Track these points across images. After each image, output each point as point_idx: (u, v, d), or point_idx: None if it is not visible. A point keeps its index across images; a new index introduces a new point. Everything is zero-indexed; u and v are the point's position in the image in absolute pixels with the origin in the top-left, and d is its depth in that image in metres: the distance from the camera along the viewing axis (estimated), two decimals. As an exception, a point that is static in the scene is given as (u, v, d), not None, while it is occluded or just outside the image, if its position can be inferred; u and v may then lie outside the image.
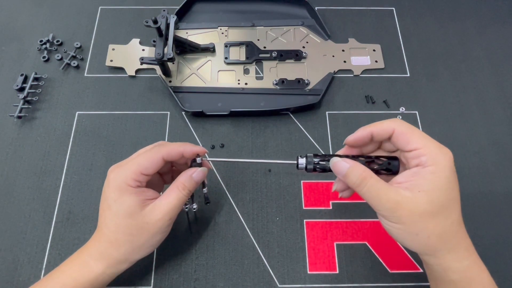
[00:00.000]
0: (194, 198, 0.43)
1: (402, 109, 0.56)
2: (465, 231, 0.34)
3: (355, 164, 0.34)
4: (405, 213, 0.31)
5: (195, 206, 0.43)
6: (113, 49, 0.59)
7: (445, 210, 0.32)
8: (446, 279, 0.34)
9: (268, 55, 0.58)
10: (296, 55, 0.58)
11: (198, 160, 0.40)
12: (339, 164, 0.35)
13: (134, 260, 0.38)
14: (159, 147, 0.37)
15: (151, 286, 0.44)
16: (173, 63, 0.57)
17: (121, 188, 0.35)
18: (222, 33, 0.60)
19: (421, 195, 0.31)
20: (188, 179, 0.38)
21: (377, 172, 0.36)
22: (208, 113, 0.53)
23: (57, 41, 0.59)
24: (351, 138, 0.36)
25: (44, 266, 0.45)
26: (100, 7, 0.63)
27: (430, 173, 0.32)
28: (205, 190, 0.43)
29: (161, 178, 0.43)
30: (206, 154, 0.42)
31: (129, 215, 0.35)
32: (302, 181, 0.50)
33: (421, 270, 0.46)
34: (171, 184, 0.38)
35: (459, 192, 0.33)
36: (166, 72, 0.55)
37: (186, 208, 0.42)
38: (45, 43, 0.59)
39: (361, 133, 0.35)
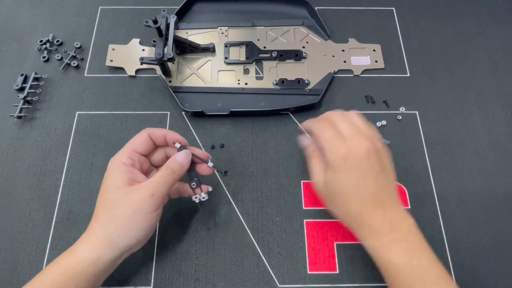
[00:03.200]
0: (202, 188, 0.43)
1: (402, 109, 0.56)
2: (374, 218, 0.37)
3: (310, 141, 0.44)
4: (317, 191, 0.42)
5: (203, 195, 0.43)
6: (113, 49, 0.59)
7: (339, 200, 0.39)
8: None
9: (268, 55, 0.58)
10: (296, 55, 0.58)
11: (177, 145, 0.41)
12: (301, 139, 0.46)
13: (119, 248, 0.37)
14: (146, 128, 0.42)
15: (151, 286, 0.44)
16: (173, 63, 0.57)
17: (115, 166, 0.39)
18: (222, 33, 0.60)
19: (324, 183, 0.40)
20: (172, 160, 0.40)
21: None
22: (208, 113, 0.53)
23: (57, 41, 0.59)
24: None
25: (44, 266, 0.45)
26: (100, 7, 0.63)
27: (326, 168, 0.40)
28: (210, 164, 0.43)
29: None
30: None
31: (115, 189, 0.38)
32: (302, 181, 0.50)
33: (421, 270, 0.45)
34: None
35: (364, 189, 0.38)
36: (166, 72, 0.55)
37: (196, 198, 0.43)
38: (45, 43, 0.59)
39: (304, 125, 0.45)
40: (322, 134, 0.40)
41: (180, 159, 0.40)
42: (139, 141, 0.41)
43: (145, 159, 0.42)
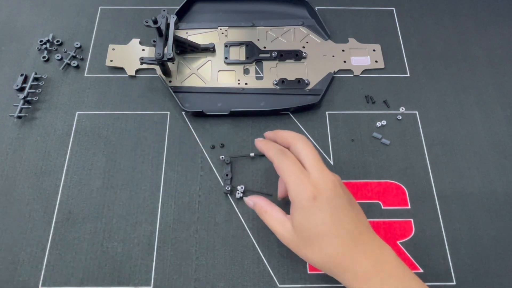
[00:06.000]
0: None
1: (402, 109, 0.56)
2: (357, 259, 0.33)
3: (257, 198, 0.41)
4: (286, 242, 0.37)
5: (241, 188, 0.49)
6: (113, 49, 0.59)
7: (315, 243, 0.34)
8: None
9: (268, 55, 0.58)
10: (296, 55, 0.58)
11: None
12: (246, 200, 0.42)
13: None
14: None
15: (151, 286, 0.44)
16: (173, 63, 0.57)
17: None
18: (222, 33, 0.60)
19: (293, 229, 0.36)
20: None
21: None
22: (208, 113, 0.53)
23: (57, 41, 0.59)
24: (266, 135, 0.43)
25: (44, 266, 0.45)
26: (100, 7, 0.63)
27: (293, 209, 0.36)
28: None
29: None
30: None
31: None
32: (302, 181, 0.50)
33: (421, 270, 0.46)
34: None
35: (340, 226, 0.34)
36: (166, 72, 0.55)
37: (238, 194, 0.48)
38: (45, 43, 0.59)
39: (268, 135, 0.42)
40: (285, 169, 0.36)
41: None
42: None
43: None
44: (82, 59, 0.59)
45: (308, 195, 0.34)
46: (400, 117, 0.55)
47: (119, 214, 0.48)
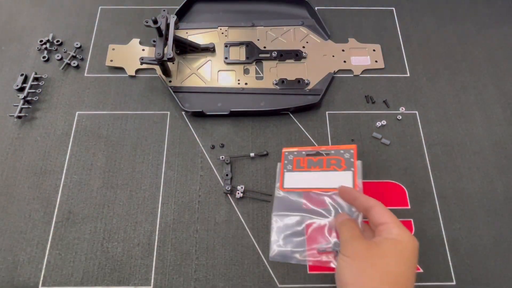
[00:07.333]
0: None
1: (402, 109, 0.56)
2: None
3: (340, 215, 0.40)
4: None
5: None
6: (113, 49, 0.59)
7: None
8: None
9: (268, 55, 0.58)
10: (296, 55, 0.58)
11: None
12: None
13: None
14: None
15: (151, 286, 0.44)
16: (173, 63, 0.57)
17: None
18: (222, 33, 0.60)
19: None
20: None
21: None
22: (208, 113, 0.53)
23: (57, 41, 0.59)
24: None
25: (44, 266, 0.45)
26: (100, 7, 0.63)
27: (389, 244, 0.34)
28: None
29: None
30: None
31: None
32: (302, 181, 0.50)
33: (421, 270, 0.46)
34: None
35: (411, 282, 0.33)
36: (166, 72, 0.55)
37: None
38: (45, 43, 0.59)
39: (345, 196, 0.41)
40: (394, 218, 0.36)
41: None
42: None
43: None
44: (82, 59, 0.59)
45: (415, 245, 0.35)
46: (400, 117, 0.55)
47: (119, 214, 0.48)
